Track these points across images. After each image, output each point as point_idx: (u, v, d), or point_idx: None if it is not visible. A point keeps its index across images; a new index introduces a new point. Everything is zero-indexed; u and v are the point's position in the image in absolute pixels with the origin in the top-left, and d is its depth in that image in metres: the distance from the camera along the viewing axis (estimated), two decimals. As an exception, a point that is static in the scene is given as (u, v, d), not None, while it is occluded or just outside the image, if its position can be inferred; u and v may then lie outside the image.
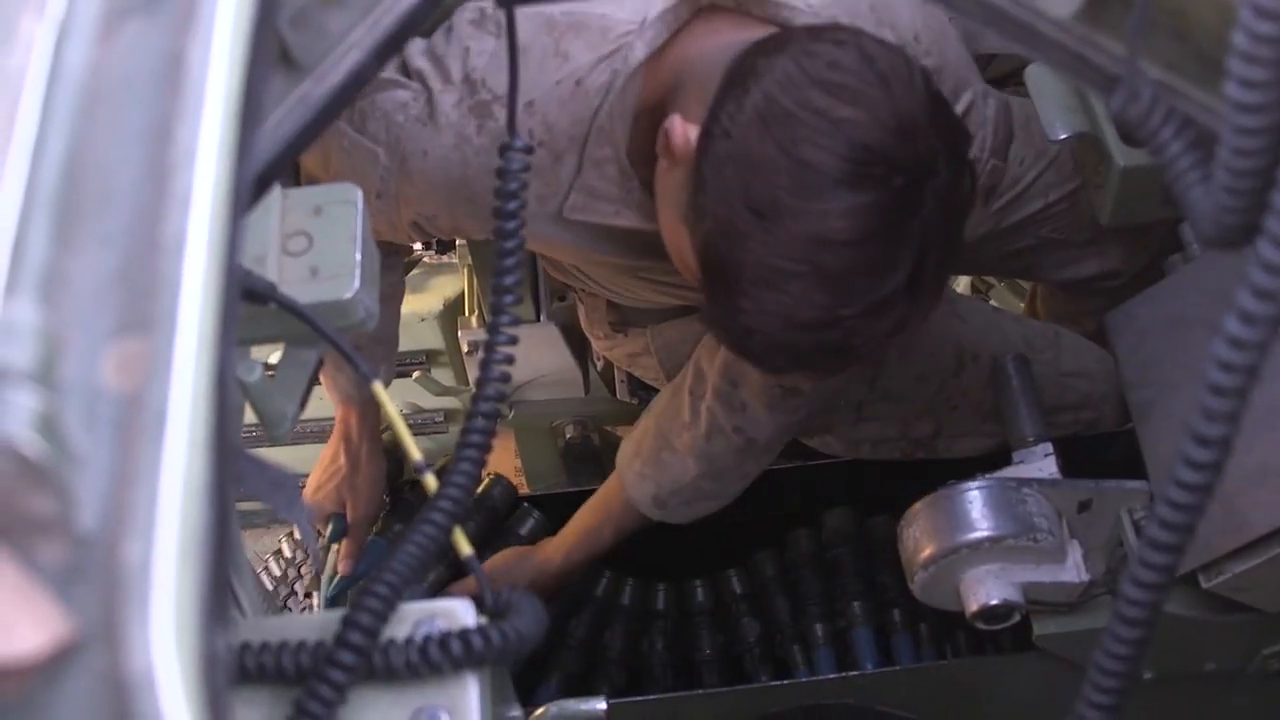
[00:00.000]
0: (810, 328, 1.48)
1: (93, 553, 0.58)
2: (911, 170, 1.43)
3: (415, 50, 1.72)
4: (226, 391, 0.63)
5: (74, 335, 0.61)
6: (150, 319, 0.62)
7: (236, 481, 0.89)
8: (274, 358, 1.22)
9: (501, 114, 1.63)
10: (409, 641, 0.93)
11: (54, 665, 0.57)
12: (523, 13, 1.24)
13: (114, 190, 0.65)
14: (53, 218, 0.63)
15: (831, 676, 1.99)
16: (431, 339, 2.64)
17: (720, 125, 1.48)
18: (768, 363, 1.61)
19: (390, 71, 1.71)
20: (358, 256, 1.13)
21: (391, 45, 1.06)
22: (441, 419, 2.77)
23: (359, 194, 1.17)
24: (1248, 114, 0.78)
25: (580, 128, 1.67)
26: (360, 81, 1.05)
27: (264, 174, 0.98)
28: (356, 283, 1.12)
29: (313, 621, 0.96)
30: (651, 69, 1.65)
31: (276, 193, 1.15)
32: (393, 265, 2.01)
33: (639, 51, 1.64)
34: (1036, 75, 1.64)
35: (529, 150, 1.25)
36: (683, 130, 1.54)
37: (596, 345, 2.34)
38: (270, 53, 0.82)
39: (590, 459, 2.54)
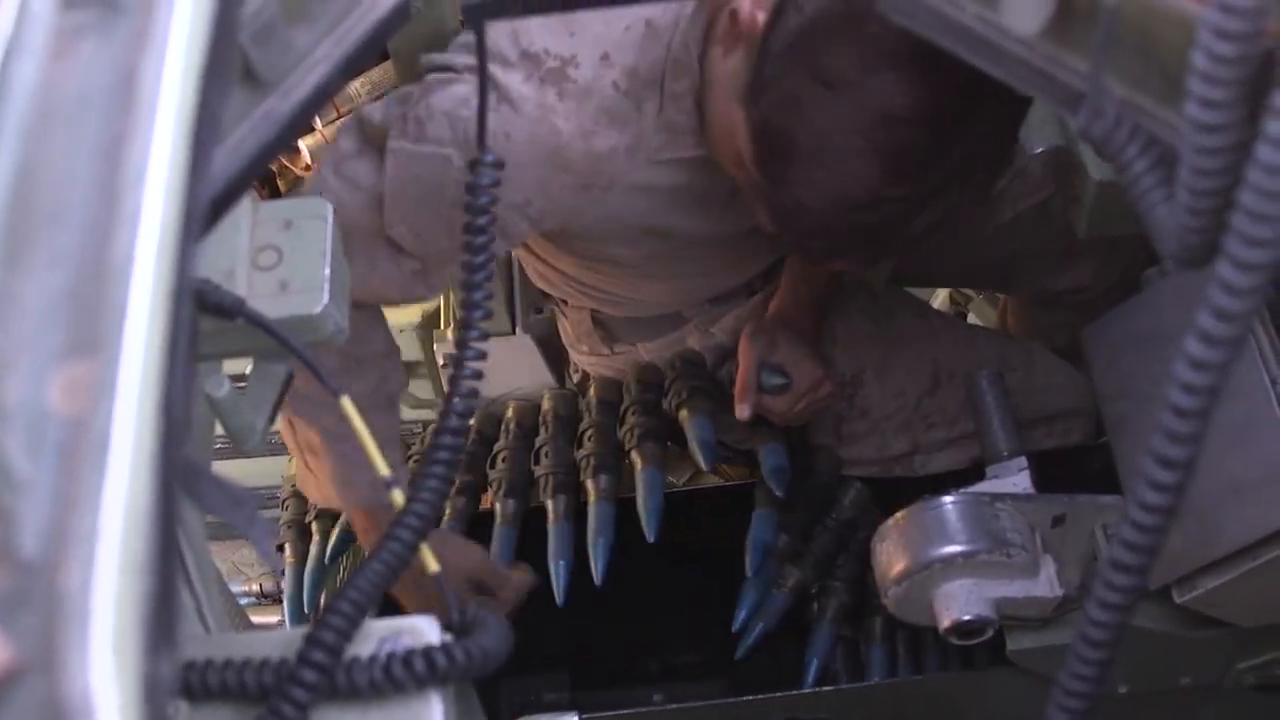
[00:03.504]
0: (852, 206, 1.48)
1: (34, 578, 0.57)
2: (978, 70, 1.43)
3: (457, 48, 1.67)
4: (174, 414, 0.62)
5: (20, 357, 0.61)
6: (97, 341, 0.61)
7: (197, 500, 0.88)
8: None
9: (576, 74, 1.60)
10: (373, 659, 0.93)
11: (-6, 691, 0.56)
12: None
13: (64, 210, 0.64)
14: (0, 238, 0.63)
15: (805, 691, 1.98)
16: (410, 350, 2.63)
17: (794, 1, 1.47)
18: (806, 241, 1.60)
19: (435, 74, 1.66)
20: (326, 271, 1.13)
21: (357, 59, 1.06)
22: (420, 429, 2.76)
23: (329, 209, 1.16)
24: (1207, 134, 0.78)
25: (657, 67, 1.63)
26: (326, 96, 1.05)
27: (227, 190, 0.98)
28: (325, 297, 1.12)
29: (276, 638, 0.96)
30: None
31: (246, 206, 1.14)
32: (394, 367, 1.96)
33: None
34: (1016, 87, 1.64)
35: (499, 165, 1.25)
36: (750, 9, 1.52)
37: (579, 359, 2.34)
38: (229, 70, 0.82)
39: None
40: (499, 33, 1.61)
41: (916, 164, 1.46)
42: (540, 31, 1.61)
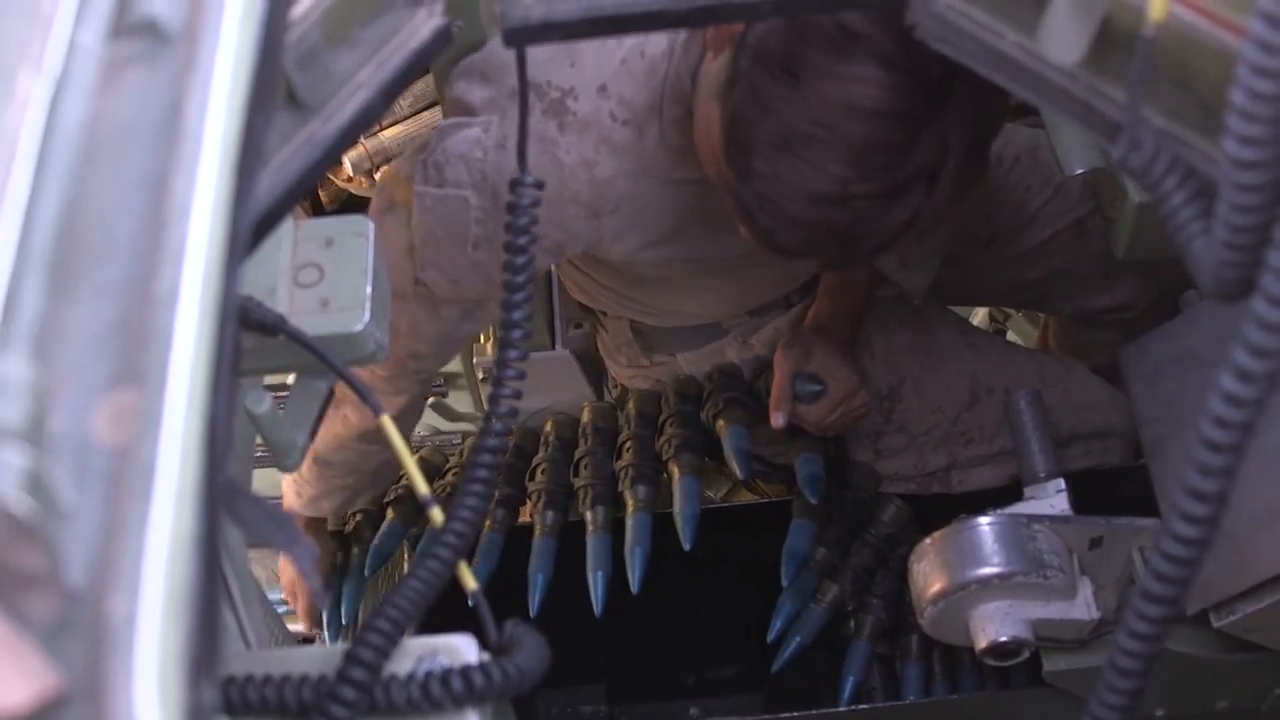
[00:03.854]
0: (821, 201, 1.47)
1: (80, 607, 0.58)
2: (949, 62, 1.43)
3: (465, 87, 1.73)
4: (217, 440, 0.63)
5: (66, 388, 0.62)
6: (142, 371, 0.62)
7: (237, 521, 0.89)
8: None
9: (575, 106, 1.66)
10: (411, 678, 0.93)
11: (40, 718, 0.57)
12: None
13: (109, 242, 0.66)
14: (47, 270, 0.64)
15: (842, 709, 1.98)
16: (450, 363, 2.64)
17: None
18: (774, 238, 1.58)
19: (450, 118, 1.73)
20: (368, 289, 1.14)
21: (399, 84, 1.07)
22: (459, 441, 2.77)
23: (370, 227, 1.17)
24: (1245, 170, 0.78)
25: (654, 95, 1.68)
26: (368, 120, 1.06)
27: (270, 213, 0.99)
28: (367, 315, 1.13)
29: (315, 655, 0.97)
30: None
31: (288, 224, 1.15)
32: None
33: None
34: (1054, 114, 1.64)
35: (539, 185, 1.26)
36: None
37: (616, 373, 2.35)
38: (273, 97, 0.83)
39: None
40: (507, 62, 1.66)
41: (884, 159, 1.45)
42: (543, 63, 1.65)
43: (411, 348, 1.86)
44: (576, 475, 2.18)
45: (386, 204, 1.76)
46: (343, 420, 1.98)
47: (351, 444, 2.02)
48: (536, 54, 1.64)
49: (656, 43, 1.67)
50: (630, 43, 1.67)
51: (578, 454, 2.19)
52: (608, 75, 1.67)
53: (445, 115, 1.81)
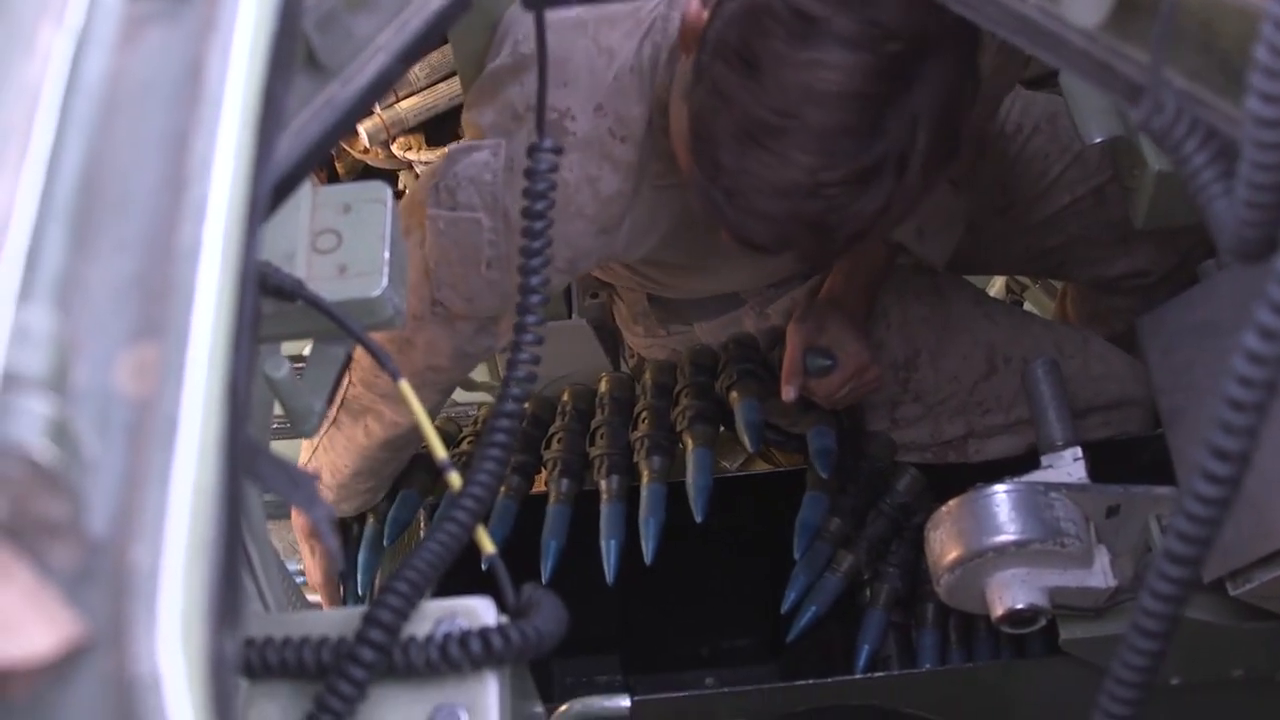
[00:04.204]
0: (790, 193, 1.46)
1: (103, 556, 0.59)
2: (910, 40, 1.41)
3: (477, 112, 1.76)
4: (239, 397, 0.63)
5: (88, 340, 0.62)
6: (164, 325, 0.63)
7: (257, 480, 0.89)
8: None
9: (574, 125, 1.68)
10: (429, 639, 0.94)
11: (63, 667, 0.58)
12: (552, 26, 1.25)
13: (130, 197, 0.66)
14: (69, 224, 0.64)
15: (857, 677, 1.99)
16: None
17: None
18: (747, 234, 1.57)
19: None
20: (386, 255, 1.14)
21: (418, 48, 1.07)
22: (475, 411, 2.77)
23: (389, 192, 1.18)
24: (1268, 129, 0.78)
25: (645, 106, 1.70)
26: (386, 84, 1.06)
27: (290, 175, 0.99)
28: (385, 280, 1.13)
29: (334, 618, 0.97)
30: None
31: (306, 190, 1.15)
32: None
33: (675, 20, 1.66)
34: (1071, 78, 1.64)
35: (558, 150, 1.26)
36: (697, 8, 1.52)
37: (633, 343, 2.35)
38: (292, 58, 0.83)
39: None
40: (510, 87, 1.71)
41: (851, 144, 1.43)
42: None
43: (431, 362, 1.89)
44: (592, 445, 2.18)
45: (404, 230, 1.78)
46: (365, 430, 2.01)
47: (374, 453, 2.05)
48: (532, 78, 1.67)
49: (644, 56, 1.68)
50: (621, 60, 1.68)
51: (594, 424, 2.20)
52: (602, 94, 1.68)
53: (465, 136, 1.84)
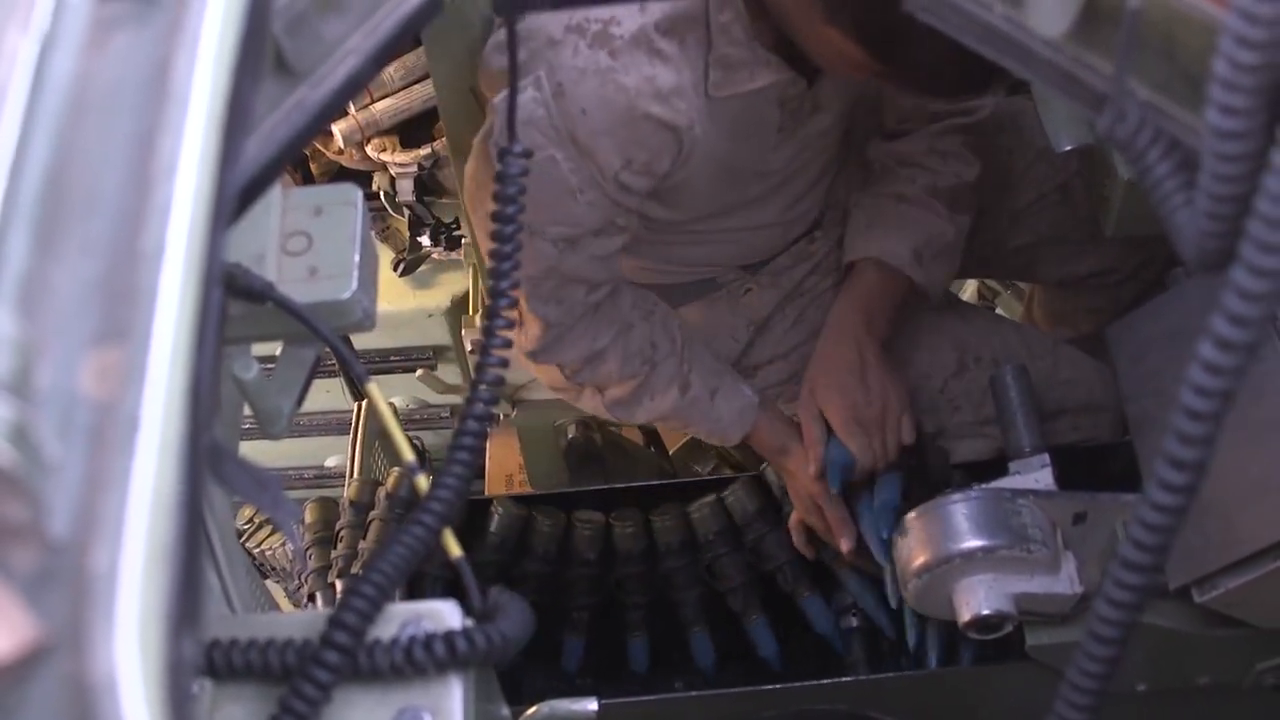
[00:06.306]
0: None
1: (62, 559, 0.59)
2: None
3: (501, 57, 1.76)
4: (201, 400, 0.63)
5: (52, 343, 0.62)
6: (128, 327, 0.63)
7: (222, 482, 0.89)
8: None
9: (619, 30, 1.69)
10: (394, 642, 0.94)
11: (21, 669, 0.58)
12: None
13: (96, 199, 0.66)
14: (33, 226, 0.64)
15: (825, 682, 1.99)
16: (439, 335, 2.65)
17: None
18: (944, 90, 1.67)
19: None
20: (356, 258, 1.14)
21: (389, 51, 1.07)
22: (447, 414, 2.78)
23: (359, 195, 1.17)
24: (1227, 140, 0.79)
25: (696, 5, 1.71)
26: (357, 86, 1.06)
27: (258, 177, 0.99)
28: (354, 283, 1.13)
29: (300, 620, 0.97)
30: None
31: (277, 192, 1.15)
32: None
33: None
34: (1042, 86, 1.64)
35: (527, 154, 1.26)
36: None
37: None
38: (260, 61, 0.83)
39: (593, 458, 2.55)
40: (543, 13, 1.69)
41: None
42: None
43: (591, 277, 1.91)
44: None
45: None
46: (590, 402, 2.05)
47: (628, 397, 2.04)
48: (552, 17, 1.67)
49: None
50: None
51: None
52: None
53: (491, 94, 1.84)
